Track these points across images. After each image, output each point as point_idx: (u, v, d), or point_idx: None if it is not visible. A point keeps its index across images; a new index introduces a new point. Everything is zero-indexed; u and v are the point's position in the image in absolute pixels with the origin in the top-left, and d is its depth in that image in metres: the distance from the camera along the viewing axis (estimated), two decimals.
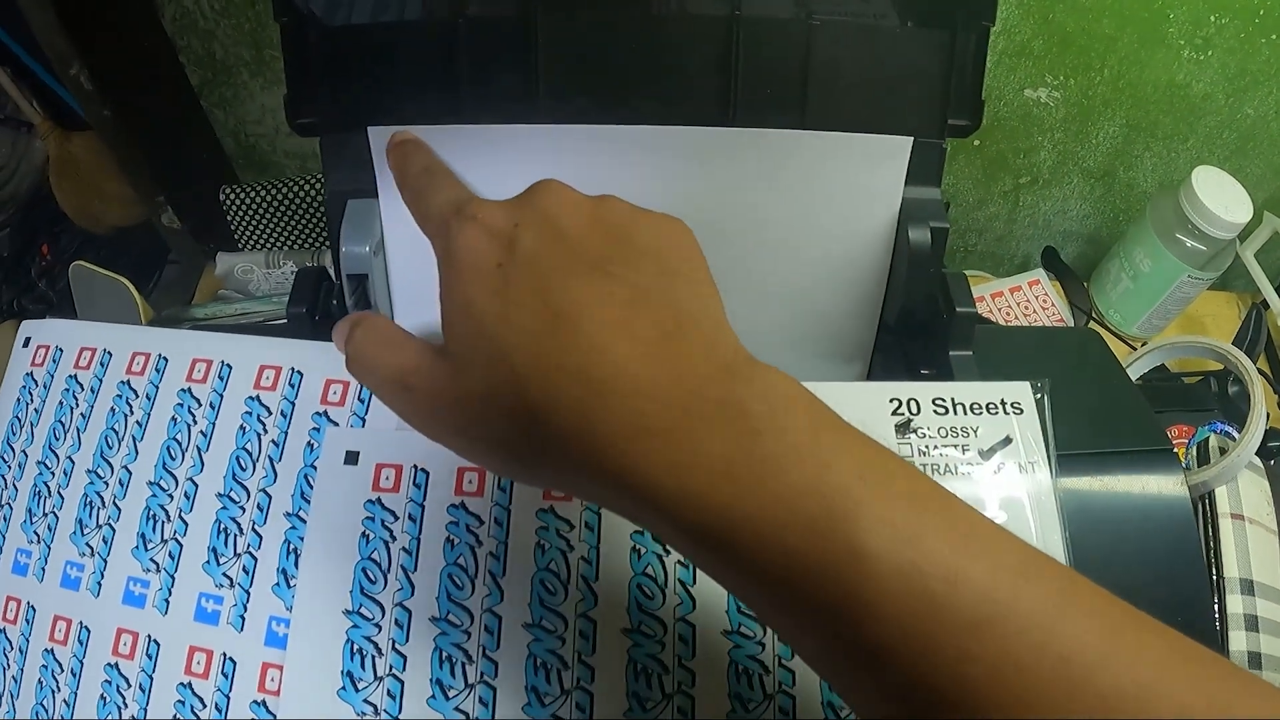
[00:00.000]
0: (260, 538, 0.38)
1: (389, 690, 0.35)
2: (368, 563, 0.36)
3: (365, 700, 0.34)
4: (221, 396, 0.41)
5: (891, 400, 0.39)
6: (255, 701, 0.35)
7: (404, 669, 0.35)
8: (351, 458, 0.38)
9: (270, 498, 0.38)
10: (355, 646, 0.35)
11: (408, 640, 0.35)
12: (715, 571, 0.25)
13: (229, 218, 0.76)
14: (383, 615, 0.35)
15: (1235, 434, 0.60)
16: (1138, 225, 0.81)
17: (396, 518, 0.37)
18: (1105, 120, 0.79)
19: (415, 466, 0.37)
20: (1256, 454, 0.64)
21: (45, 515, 0.41)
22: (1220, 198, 0.74)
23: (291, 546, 0.37)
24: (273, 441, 0.39)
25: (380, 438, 0.38)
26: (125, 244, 0.93)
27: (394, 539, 0.36)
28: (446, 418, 0.28)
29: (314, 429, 0.39)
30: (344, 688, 0.35)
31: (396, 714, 0.34)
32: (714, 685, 0.34)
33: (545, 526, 0.36)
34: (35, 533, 0.41)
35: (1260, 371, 0.77)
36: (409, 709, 0.34)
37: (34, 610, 0.39)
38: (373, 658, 0.35)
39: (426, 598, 0.35)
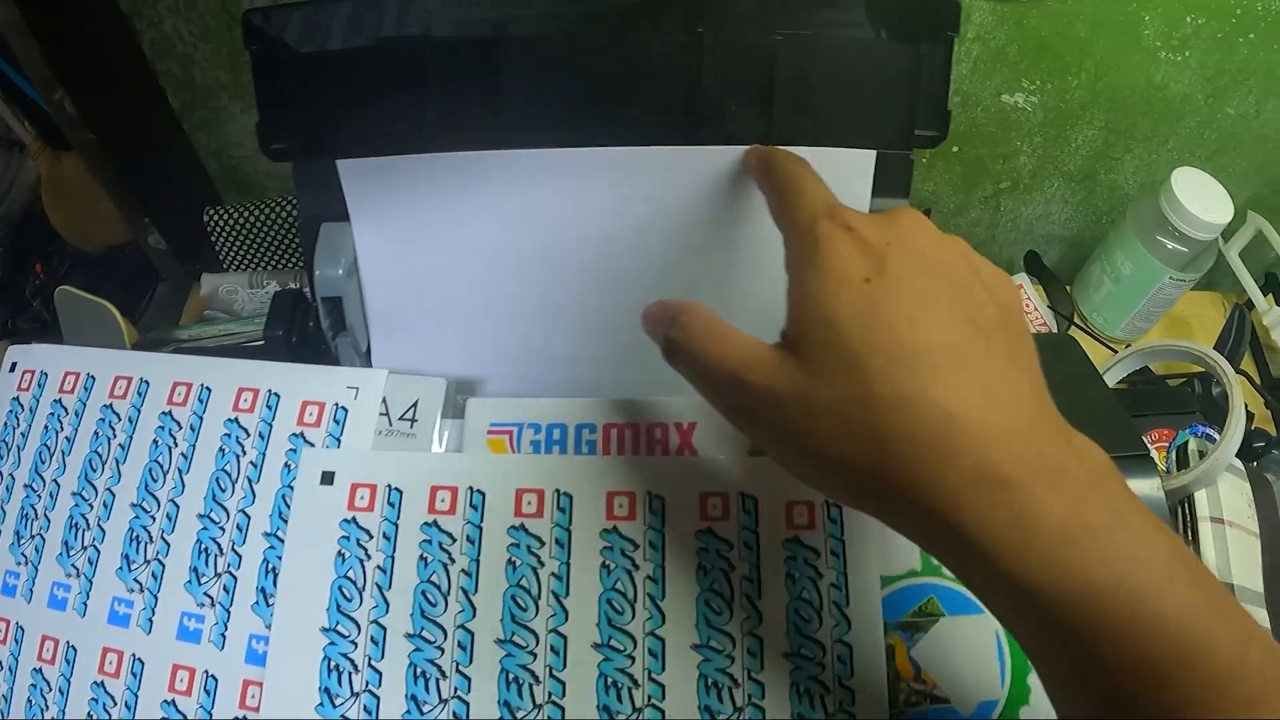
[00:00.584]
0: (240, 557, 0.38)
1: (365, 706, 0.35)
2: (344, 581, 0.37)
3: (342, 716, 0.35)
4: (201, 419, 0.41)
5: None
6: (237, 718, 0.36)
7: (379, 685, 0.35)
8: (327, 478, 0.39)
9: (249, 518, 0.39)
10: (332, 663, 0.36)
11: (383, 657, 0.36)
12: (1027, 630, 0.26)
13: (213, 238, 0.76)
14: (358, 632, 0.36)
15: (1216, 436, 0.60)
16: (1118, 228, 0.81)
17: (371, 536, 0.37)
18: (1084, 124, 0.79)
19: (389, 486, 0.38)
20: (1240, 455, 0.64)
21: (32, 537, 0.41)
22: (1200, 199, 0.75)
23: (270, 565, 0.38)
24: (251, 463, 0.40)
25: (355, 458, 0.39)
26: (118, 263, 0.93)
27: (369, 557, 0.37)
28: (785, 420, 0.27)
29: (291, 450, 0.40)
30: (321, 704, 0.35)
31: None
32: (684, 699, 0.34)
33: (516, 543, 0.37)
34: (23, 554, 0.41)
35: (1244, 372, 0.77)
36: None
37: (22, 631, 0.40)
38: (349, 674, 0.36)
39: (401, 615, 0.36)
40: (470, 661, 0.35)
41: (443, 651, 0.35)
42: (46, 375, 0.45)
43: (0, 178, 0.89)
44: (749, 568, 0.36)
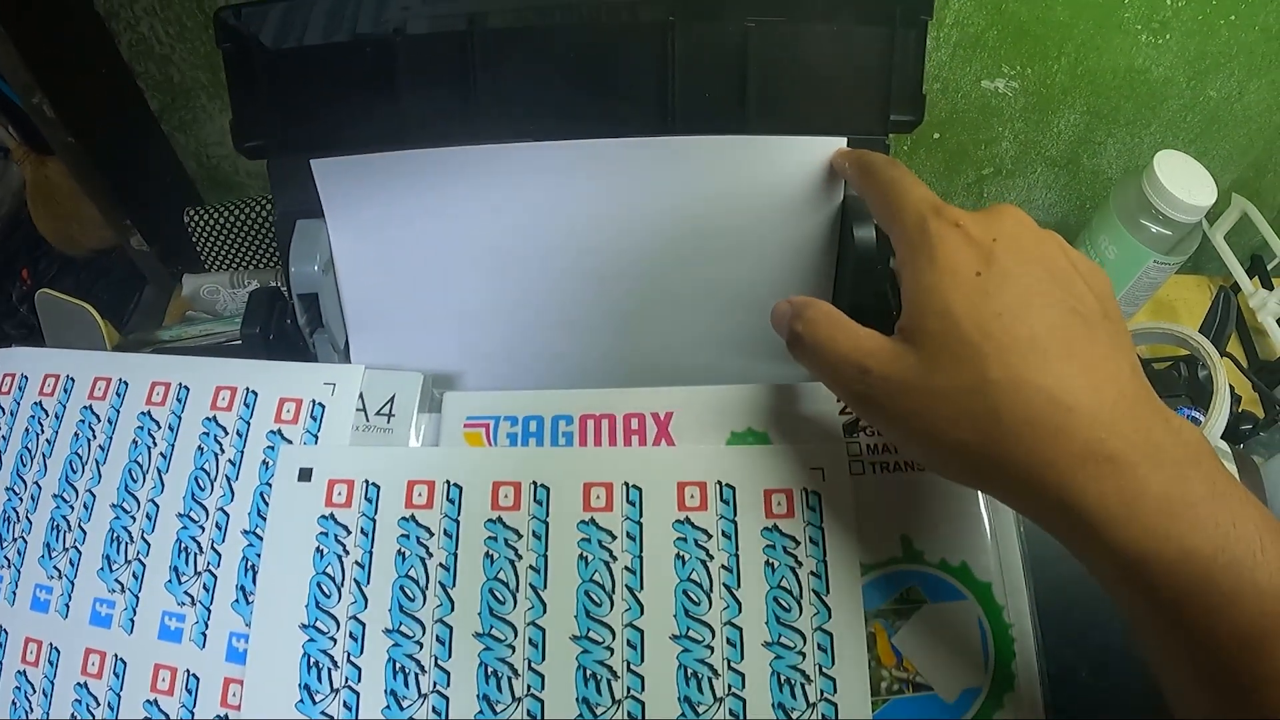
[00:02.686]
0: (219, 555, 0.38)
1: (345, 702, 0.35)
2: (322, 577, 0.37)
3: (322, 712, 0.35)
4: (180, 418, 0.41)
5: (839, 400, 0.39)
6: (219, 716, 0.36)
7: (359, 680, 0.35)
8: (305, 474, 0.39)
9: (228, 516, 0.39)
10: (311, 660, 0.36)
11: (362, 652, 0.36)
12: (1132, 598, 0.27)
13: (194, 239, 0.76)
14: (337, 628, 0.36)
15: (1202, 419, 0.60)
16: (1101, 212, 0.81)
17: (349, 532, 0.37)
18: (1065, 108, 0.79)
19: (367, 481, 0.38)
20: (1227, 438, 0.64)
21: (14, 540, 0.41)
22: (1183, 181, 0.74)
23: (250, 564, 0.38)
24: (230, 461, 0.40)
25: (332, 454, 0.39)
26: (105, 267, 0.93)
27: (347, 553, 0.37)
28: (906, 406, 0.29)
29: (269, 447, 0.40)
30: (302, 700, 0.35)
31: None
32: (664, 690, 0.34)
33: (493, 536, 0.37)
34: (5, 558, 0.41)
35: (1231, 356, 0.77)
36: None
37: (5, 634, 0.40)
38: (328, 670, 0.36)
39: (380, 610, 0.36)
40: (449, 656, 0.35)
41: (421, 646, 0.35)
42: (27, 378, 0.44)
43: None
44: (728, 557, 0.36)
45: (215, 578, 0.38)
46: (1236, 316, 0.81)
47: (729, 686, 0.34)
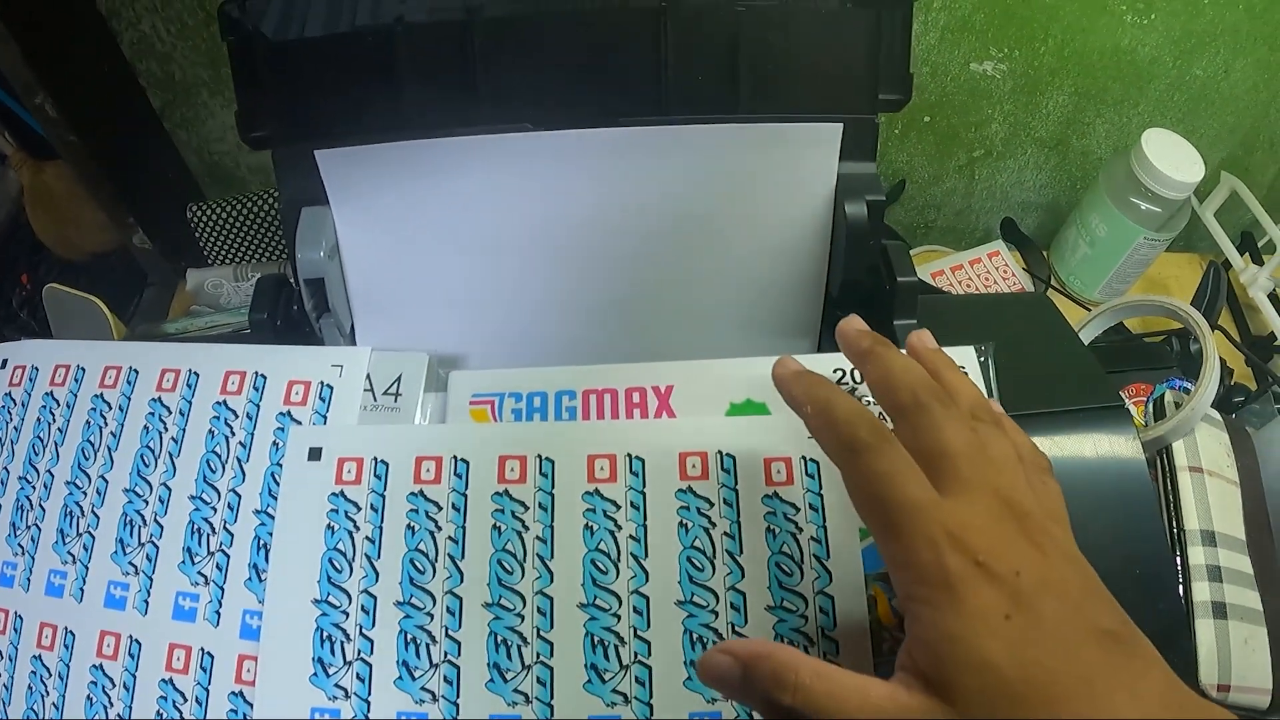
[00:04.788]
0: (232, 536, 0.39)
1: (358, 674, 0.36)
2: (333, 553, 0.38)
3: (336, 685, 0.36)
4: (190, 403, 0.42)
5: (836, 370, 0.40)
6: (233, 693, 0.37)
7: (371, 652, 0.36)
8: (315, 454, 0.39)
9: (240, 497, 0.40)
10: (324, 634, 0.37)
11: (374, 625, 0.36)
12: None
13: (197, 235, 0.77)
14: (349, 602, 0.37)
15: (1193, 389, 0.61)
16: (1092, 191, 0.82)
17: (359, 508, 0.38)
18: (1054, 90, 0.80)
19: (375, 458, 0.39)
20: (1219, 408, 0.65)
21: (28, 528, 0.42)
22: (1171, 158, 0.75)
23: (262, 543, 0.39)
24: (240, 443, 0.41)
25: (341, 433, 0.40)
26: (104, 270, 0.94)
27: (357, 529, 0.38)
28: None
29: (278, 429, 0.40)
30: (315, 674, 0.36)
31: (366, 696, 0.36)
32: (670, 655, 0.35)
33: (500, 509, 0.37)
34: (19, 545, 0.42)
35: (1223, 329, 0.78)
36: (377, 691, 0.36)
37: (21, 619, 0.41)
38: (341, 643, 0.36)
39: (390, 583, 0.37)
40: (459, 626, 0.36)
41: (432, 617, 0.36)
42: (38, 370, 0.45)
43: None
44: (729, 524, 0.37)
45: (228, 557, 0.39)
46: (1228, 292, 0.82)
47: None
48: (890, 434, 0.30)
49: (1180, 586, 0.55)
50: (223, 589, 0.38)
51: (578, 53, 0.43)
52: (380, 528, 0.38)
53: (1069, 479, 0.41)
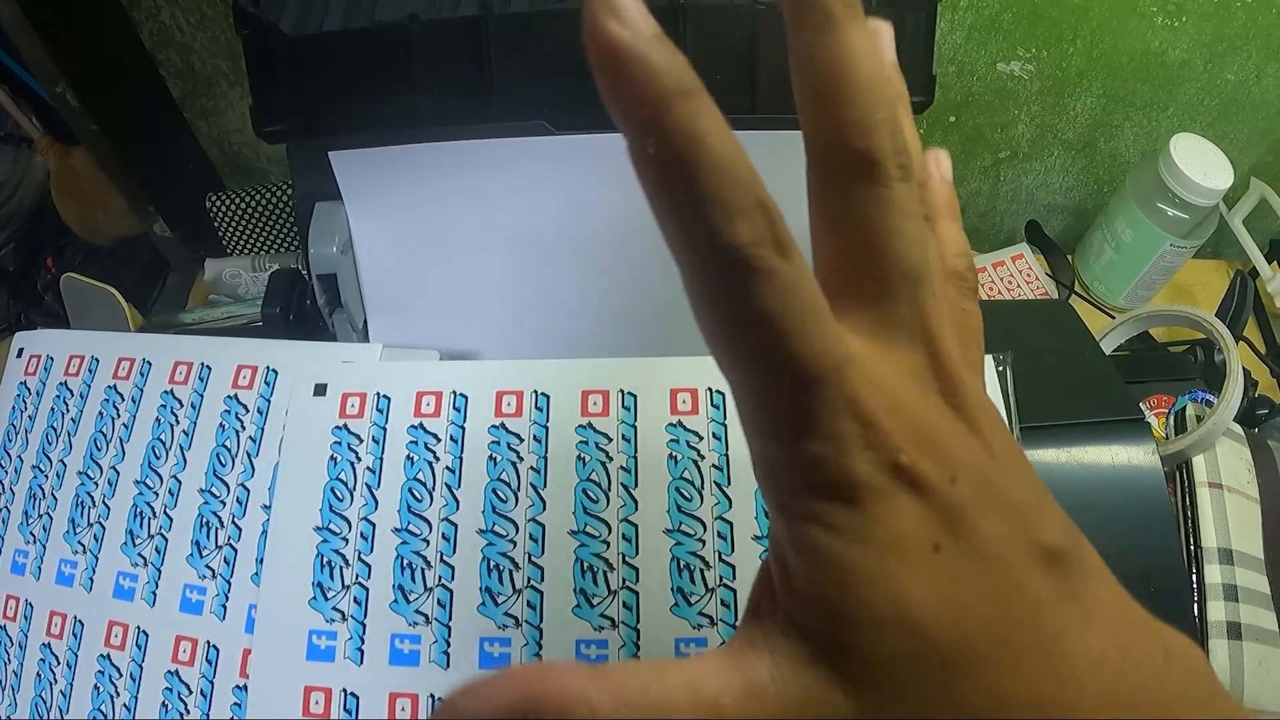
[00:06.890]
0: (240, 530, 0.39)
1: (355, 598, 0.37)
2: (335, 483, 0.38)
3: (334, 608, 0.37)
4: (202, 397, 0.42)
5: None
6: (237, 686, 0.37)
7: (368, 577, 0.37)
8: (320, 389, 0.40)
9: (249, 491, 0.40)
10: (324, 559, 0.37)
11: (372, 550, 0.37)
12: None
13: (216, 224, 0.77)
14: (349, 529, 0.38)
15: (1215, 402, 0.60)
16: (1118, 195, 0.81)
17: (361, 440, 0.39)
18: (1082, 91, 0.79)
19: (378, 393, 0.40)
20: (1242, 422, 0.64)
21: (40, 516, 0.42)
22: (1200, 165, 0.74)
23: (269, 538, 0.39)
24: (250, 438, 0.41)
25: (346, 370, 0.41)
26: (129, 255, 0.94)
27: (359, 460, 0.39)
28: None
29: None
30: (314, 597, 0.37)
31: (362, 619, 0.36)
32: (658, 581, 0.36)
33: (497, 441, 0.38)
34: (31, 533, 0.42)
35: (1248, 340, 0.77)
36: (373, 614, 0.37)
37: (31, 607, 0.41)
38: (340, 568, 0.37)
39: (389, 511, 0.38)
40: (454, 551, 0.37)
41: (428, 543, 0.37)
42: (52, 359, 0.46)
43: (10, 174, 0.90)
44: (718, 457, 0.37)
45: (236, 551, 0.39)
46: (1255, 301, 0.81)
47: (720, 578, 0.36)
48: (776, 211, 0.17)
49: (1195, 605, 0.54)
50: (230, 583, 0.39)
51: None
52: (381, 458, 0.39)
53: (1083, 494, 0.40)
